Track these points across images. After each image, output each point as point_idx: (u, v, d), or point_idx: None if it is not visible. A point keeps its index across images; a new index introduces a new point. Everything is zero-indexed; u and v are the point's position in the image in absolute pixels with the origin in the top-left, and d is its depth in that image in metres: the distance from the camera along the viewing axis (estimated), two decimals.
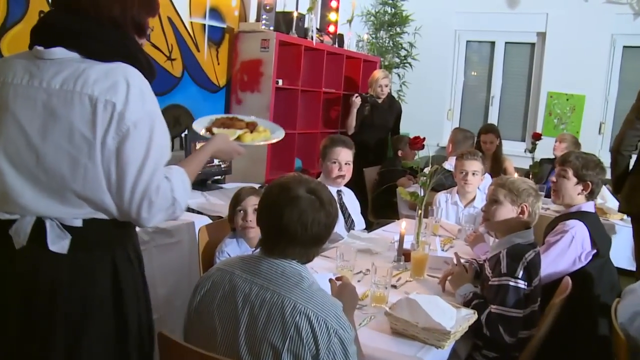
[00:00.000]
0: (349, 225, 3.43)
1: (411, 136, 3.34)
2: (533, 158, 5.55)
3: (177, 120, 4.65)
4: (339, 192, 3.49)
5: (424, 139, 2.88)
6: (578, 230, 2.68)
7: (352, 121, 5.52)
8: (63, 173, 1.54)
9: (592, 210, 2.86)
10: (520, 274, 2.17)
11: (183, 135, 4.55)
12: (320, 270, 2.52)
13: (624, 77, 6.38)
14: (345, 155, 3.43)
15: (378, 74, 5.64)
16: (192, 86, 4.70)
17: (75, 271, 1.59)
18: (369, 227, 5.49)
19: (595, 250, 2.70)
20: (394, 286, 2.43)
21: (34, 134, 1.54)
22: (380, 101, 5.63)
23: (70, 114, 1.52)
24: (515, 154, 6.13)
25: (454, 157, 4.54)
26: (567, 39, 6.41)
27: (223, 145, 1.96)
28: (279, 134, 2.18)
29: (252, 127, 2.06)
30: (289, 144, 5.22)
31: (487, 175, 4.11)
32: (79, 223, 1.59)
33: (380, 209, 5.25)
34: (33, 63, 1.59)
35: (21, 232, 1.57)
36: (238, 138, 2.01)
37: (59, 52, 1.58)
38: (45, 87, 1.55)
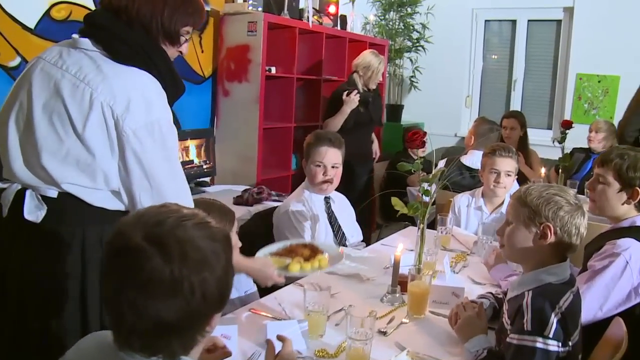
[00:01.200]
0: (339, 239, 2.86)
1: (425, 128, 2.81)
2: (563, 149, 4.90)
3: None
4: (326, 199, 2.92)
5: (425, 134, 2.27)
6: (634, 253, 2.02)
7: (341, 122, 4.39)
8: (48, 148, 1.61)
9: None
10: (552, 331, 1.53)
11: None
12: (287, 309, 1.98)
13: None
14: (332, 157, 2.85)
15: (373, 59, 4.54)
16: None
17: (45, 244, 1.64)
18: (378, 230, 4.98)
19: None
20: (383, 332, 1.85)
21: (37, 106, 1.62)
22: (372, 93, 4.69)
23: (69, 99, 1.60)
24: (541, 143, 5.50)
25: (475, 151, 3.94)
26: (597, 13, 5.71)
27: (258, 273, 2.09)
28: (336, 264, 2.22)
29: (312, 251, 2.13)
30: (285, 139, 4.67)
31: None
32: (53, 194, 1.64)
33: (389, 209, 4.63)
34: (66, 48, 1.69)
35: (6, 200, 1.67)
36: (286, 266, 2.10)
37: (85, 43, 1.67)
38: (63, 69, 1.63)
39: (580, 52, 5.89)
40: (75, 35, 1.70)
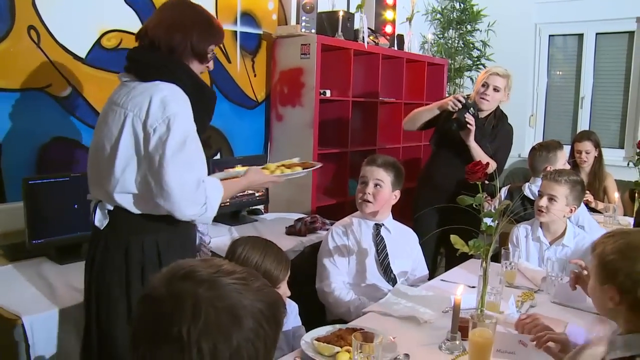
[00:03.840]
0: (386, 273, 2.69)
1: None
2: (639, 171, 4.56)
3: (206, 143, 4.02)
4: (376, 226, 2.75)
5: (487, 164, 2.06)
6: None
7: (423, 115, 3.64)
8: (100, 166, 1.97)
9: None
10: None
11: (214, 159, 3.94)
12: None
13: None
14: (375, 173, 2.74)
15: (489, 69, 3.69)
16: (224, 103, 4.07)
17: (105, 245, 1.99)
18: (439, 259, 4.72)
19: None
20: None
21: (98, 133, 1.99)
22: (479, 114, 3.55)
23: (109, 120, 1.93)
24: (612, 163, 5.16)
25: (537, 179, 3.67)
26: None
27: (256, 177, 2.19)
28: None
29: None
30: (340, 165, 4.52)
31: (584, 209, 3.22)
32: (110, 208, 1.99)
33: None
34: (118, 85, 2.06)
35: (90, 210, 2.06)
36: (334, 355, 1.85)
37: (122, 76, 2.04)
38: (110, 102, 1.99)
39: None
40: (120, 74, 2.05)
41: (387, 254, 2.71)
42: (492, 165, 3.38)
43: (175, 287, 0.94)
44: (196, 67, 2.07)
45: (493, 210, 2.00)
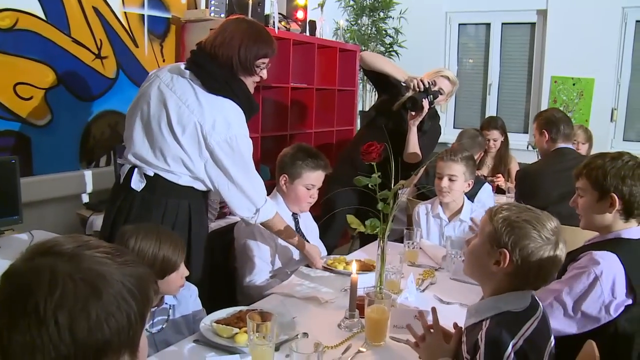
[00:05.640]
0: None
1: None
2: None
3: (114, 129, 3.93)
4: (294, 215, 2.78)
5: (382, 146, 2.10)
6: (605, 269, 1.87)
7: (384, 69, 3.57)
8: (154, 143, 2.30)
9: (638, 236, 2.00)
10: None
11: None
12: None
13: (638, 56, 5.59)
14: (321, 179, 2.77)
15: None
16: (131, 88, 3.96)
17: (141, 205, 2.33)
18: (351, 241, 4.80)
19: (630, 300, 1.89)
20: None
21: (153, 115, 2.29)
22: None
23: (171, 112, 2.25)
24: (517, 147, 5.39)
25: None
26: (571, 15, 5.64)
27: (310, 252, 2.62)
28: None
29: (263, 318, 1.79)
30: (253, 151, 4.48)
31: (487, 187, 3.33)
32: (151, 174, 2.32)
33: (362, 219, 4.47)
34: (176, 75, 2.34)
35: (122, 172, 2.39)
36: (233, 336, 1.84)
37: (189, 74, 2.32)
38: (172, 90, 2.30)
39: (555, 55, 5.81)
40: (182, 66, 2.37)
41: (303, 235, 2.78)
42: (418, 157, 3.45)
43: (35, 262, 0.91)
44: (249, 80, 2.37)
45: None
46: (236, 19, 2.42)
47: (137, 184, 2.32)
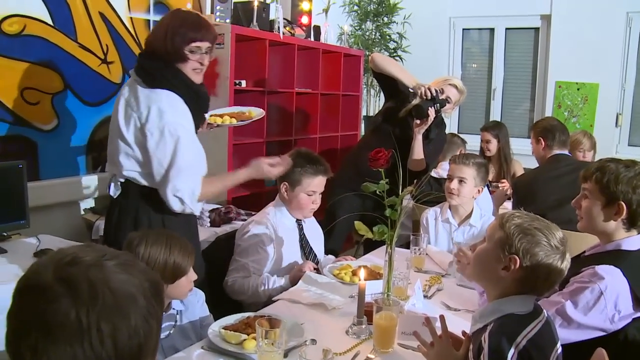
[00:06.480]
0: (312, 260, 2.71)
1: None
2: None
3: None
4: (298, 221, 2.78)
5: (389, 152, 2.10)
6: (610, 285, 1.86)
7: (393, 73, 3.48)
8: (113, 147, 2.38)
9: (637, 247, 1.98)
10: None
11: None
12: None
13: None
14: (322, 184, 2.75)
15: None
16: None
17: (119, 210, 2.42)
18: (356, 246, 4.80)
19: (639, 312, 1.89)
20: None
21: (112, 119, 2.41)
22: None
23: (119, 115, 2.34)
24: (522, 152, 5.37)
25: (444, 163, 3.83)
26: (575, 20, 5.64)
27: (255, 174, 2.60)
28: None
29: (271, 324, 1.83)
30: (256, 155, 4.44)
31: (485, 190, 3.32)
32: (122, 180, 2.40)
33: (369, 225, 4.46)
34: (130, 80, 2.44)
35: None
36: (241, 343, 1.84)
37: (134, 76, 2.39)
38: (122, 95, 2.38)
39: (559, 60, 5.81)
40: (132, 70, 2.42)
41: (311, 247, 2.78)
42: (423, 164, 3.45)
43: (64, 273, 0.92)
44: (187, 68, 2.36)
45: None
46: (169, 11, 2.52)
47: (113, 191, 2.43)
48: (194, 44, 2.33)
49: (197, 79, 2.42)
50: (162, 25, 2.37)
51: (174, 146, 2.27)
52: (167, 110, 2.27)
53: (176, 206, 2.31)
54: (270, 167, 2.55)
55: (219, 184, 2.55)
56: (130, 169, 2.36)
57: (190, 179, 2.32)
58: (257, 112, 3.02)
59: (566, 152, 3.54)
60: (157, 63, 2.33)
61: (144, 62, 2.37)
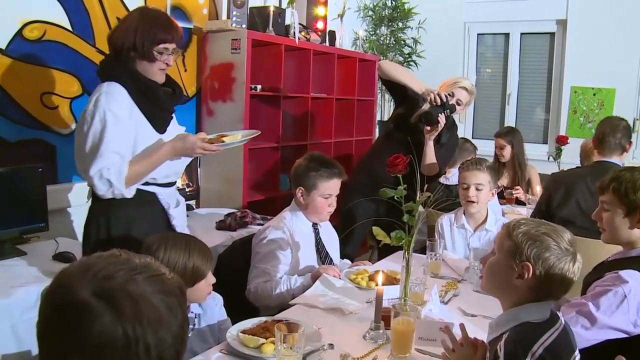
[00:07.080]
0: (327, 264, 2.71)
1: None
2: (559, 165, 4.76)
3: None
4: (314, 225, 2.79)
5: (407, 158, 2.10)
6: (634, 289, 1.87)
7: (401, 79, 3.45)
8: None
9: None
10: None
11: None
12: None
13: None
14: (338, 187, 2.75)
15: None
16: None
17: (93, 217, 2.37)
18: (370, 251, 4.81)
19: None
20: None
21: None
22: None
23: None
24: (536, 158, 5.35)
25: (453, 170, 3.84)
26: (591, 25, 5.63)
27: (181, 146, 2.33)
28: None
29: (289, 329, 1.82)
30: (272, 160, 4.52)
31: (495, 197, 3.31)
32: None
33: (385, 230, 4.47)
34: None
35: None
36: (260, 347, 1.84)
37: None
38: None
39: (575, 65, 5.79)
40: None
41: (327, 251, 2.78)
42: (436, 169, 3.46)
43: (101, 289, 0.92)
44: (146, 67, 2.33)
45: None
46: (137, 7, 2.49)
47: (86, 198, 2.45)
48: (162, 45, 2.31)
49: (161, 78, 2.41)
50: (130, 23, 2.32)
51: (100, 130, 2.20)
52: (102, 98, 2.23)
53: (103, 189, 2.21)
54: (202, 149, 2.35)
55: (144, 161, 2.30)
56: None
57: (116, 160, 2.22)
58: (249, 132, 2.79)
59: (618, 161, 3.24)
60: (114, 57, 2.34)
61: (106, 57, 2.42)
